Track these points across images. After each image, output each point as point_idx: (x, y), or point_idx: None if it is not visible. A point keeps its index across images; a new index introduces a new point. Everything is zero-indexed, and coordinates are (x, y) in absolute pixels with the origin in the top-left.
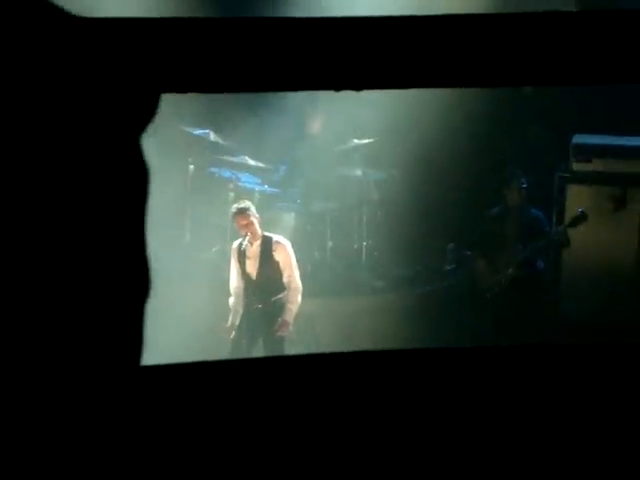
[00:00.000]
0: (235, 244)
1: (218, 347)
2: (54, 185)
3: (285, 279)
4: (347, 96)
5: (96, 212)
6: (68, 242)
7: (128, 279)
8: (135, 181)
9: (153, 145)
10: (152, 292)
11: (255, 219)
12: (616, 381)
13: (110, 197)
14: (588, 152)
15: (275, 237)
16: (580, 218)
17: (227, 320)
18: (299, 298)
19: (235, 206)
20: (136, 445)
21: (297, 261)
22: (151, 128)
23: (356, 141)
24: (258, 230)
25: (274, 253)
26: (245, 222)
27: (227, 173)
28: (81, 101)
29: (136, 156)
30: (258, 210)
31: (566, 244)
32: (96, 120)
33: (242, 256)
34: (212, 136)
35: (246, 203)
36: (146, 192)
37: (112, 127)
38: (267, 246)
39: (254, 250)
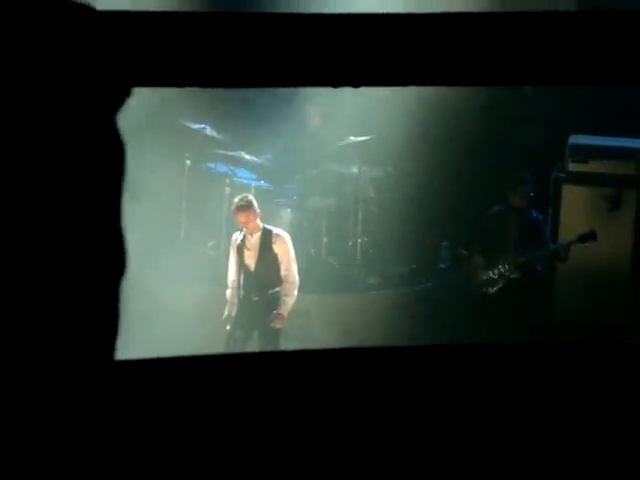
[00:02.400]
0: (235, 235)
1: (213, 339)
2: (28, 173)
3: (283, 272)
4: (345, 93)
5: (73, 202)
6: (43, 231)
7: (104, 266)
8: (110, 169)
9: (150, 139)
10: (132, 282)
11: (255, 215)
12: (610, 380)
13: (85, 186)
14: (584, 153)
15: (275, 230)
16: (588, 236)
17: (222, 313)
18: (295, 292)
19: (236, 201)
20: (130, 439)
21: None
22: (149, 122)
23: (353, 138)
24: (258, 224)
25: (274, 245)
26: (245, 219)
27: (223, 168)
28: (70, 94)
29: (111, 140)
30: None
31: (564, 259)
32: (84, 113)
33: (241, 247)
34: (209, 131)
35: (249, 198)
36: (121, 181)
37: (97, 119)
38: (267, 238)
39: (254, 242)
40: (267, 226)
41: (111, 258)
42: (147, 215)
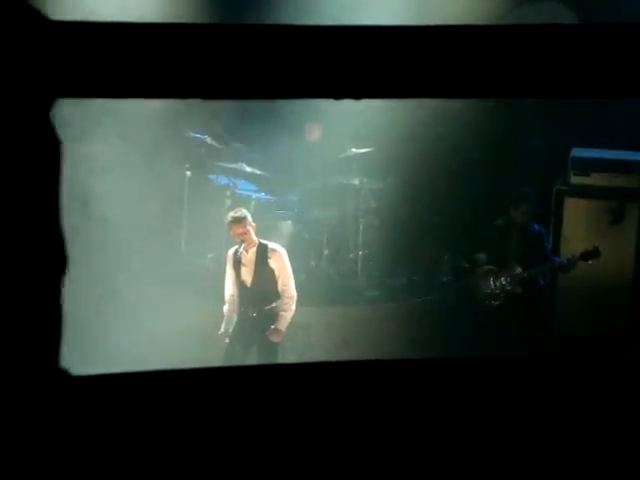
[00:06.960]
0: (231, 251)
1: (212, 354)
2: None
3: (280, 287)
4: (346, 105)
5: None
6: None
7: (44, 263)
8: (45, 163)
9: (151, 150)
10: (133, 294)
11: (251, 227)
12: (611, 394)
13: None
14: (586, 166)
15: (271, 245)
16: (593, 253)
17: (221, 327)
18: (293, 306)
19: (231, 214)
20: (130, 449)
21: (293, 269)
22: (150, 133)
23: (354, 150)
24: (254, 238)
25: (269, 261)
26: (241, 230)
27: (224, 180)
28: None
29: (47, 138)
30: (255, 218)
31: (567, 271)
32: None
33: (237, 263)
34: (210, 142)
35: (242, 211)
36: (57, 174)
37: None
38: (262, 254)
39: (249, 257)
40: (262, 241)
41: (49, 262)
42: (147, 226)
